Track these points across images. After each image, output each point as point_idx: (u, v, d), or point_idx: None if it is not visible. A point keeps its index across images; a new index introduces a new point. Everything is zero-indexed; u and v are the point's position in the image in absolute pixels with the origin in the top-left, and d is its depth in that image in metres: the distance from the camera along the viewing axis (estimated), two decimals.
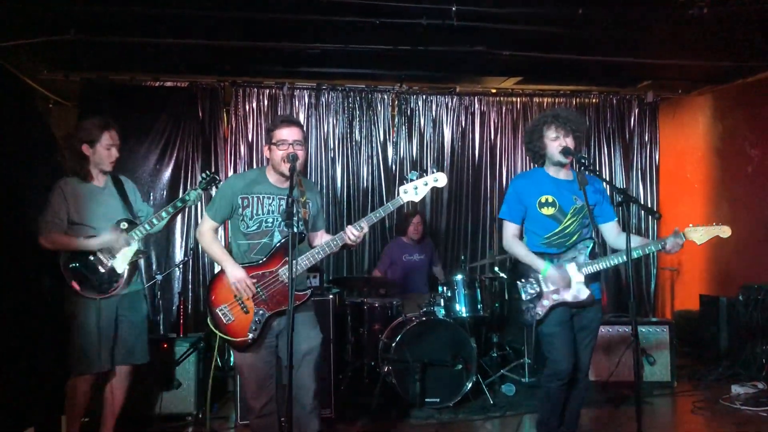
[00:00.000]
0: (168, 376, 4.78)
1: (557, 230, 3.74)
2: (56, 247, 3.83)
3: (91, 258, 3.87)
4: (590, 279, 3.68)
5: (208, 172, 4.16)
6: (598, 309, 3.80)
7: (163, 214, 4.00)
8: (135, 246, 3.95)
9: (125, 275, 3.93)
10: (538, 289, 3.67)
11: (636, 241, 3.70)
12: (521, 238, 3.84)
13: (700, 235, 3.60)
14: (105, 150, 3.94)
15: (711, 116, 7.11)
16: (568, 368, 3.62)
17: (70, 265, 3.83)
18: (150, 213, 4.13)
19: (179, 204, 4.03)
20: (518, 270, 3.80)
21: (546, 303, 3.66)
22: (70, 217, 3.86)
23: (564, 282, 3.64)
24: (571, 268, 3.68)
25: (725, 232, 3.63)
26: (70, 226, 3.87)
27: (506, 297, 3.81)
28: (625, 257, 3.49)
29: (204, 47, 5.58)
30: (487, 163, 7.25)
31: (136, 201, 4.17)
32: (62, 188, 3.88)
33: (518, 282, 3.73)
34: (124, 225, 3.96)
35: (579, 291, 3.66)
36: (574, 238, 3.75)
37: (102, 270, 3.87)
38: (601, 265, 3.66)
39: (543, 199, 3.74)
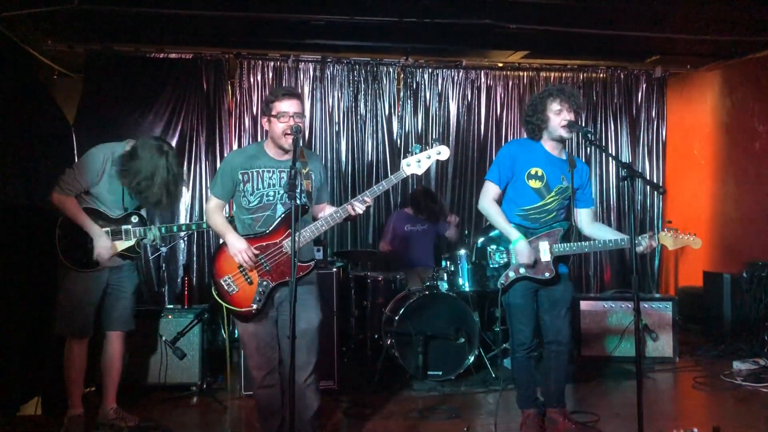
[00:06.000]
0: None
1: (538, 205, 3.79)
2: (62, 209, 3.86)
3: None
4: (558, 259, 3.78)
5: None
6: (567, 281, 3.90)
7: (162, 230, 4.07)
8: (130, 242, 3.98)
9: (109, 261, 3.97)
10: (506, 260, 3.79)
11: (610, 233, 3.83)
12: (499, 203, 3.90)
13: (672, 240, 3.69)
14: None
15: (719, 92, 7.04)
16: (531, 336, 3.83)
17: (63, 234, 3.89)
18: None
19: (174, 229, 4.25)
20: (491, 236, 3.89)
21: (511, 274, 3.78)
22: (89, 188, 3.89)
23: (530, 259, 3.71)
24: (542, 246, 3.75)
25: (696, 243, 3.71)
26: (84, 195, 3.92)
27: (474, 259, 3.89)
28: (595, 246, 3.79)
29: (208, 18, 5.53)
30: (492, 138, 7.19)
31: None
32: (107, 158, 3.89)
33: (489, 248, 3.85)
34: (135, 219, 4.02)
35: (545, 270, 3.75)
36: (550, 216, 3.82)
37: (90, 247, 3.90)
38: (572, 248, 3.75)
39: (533, 171, 3.78)
